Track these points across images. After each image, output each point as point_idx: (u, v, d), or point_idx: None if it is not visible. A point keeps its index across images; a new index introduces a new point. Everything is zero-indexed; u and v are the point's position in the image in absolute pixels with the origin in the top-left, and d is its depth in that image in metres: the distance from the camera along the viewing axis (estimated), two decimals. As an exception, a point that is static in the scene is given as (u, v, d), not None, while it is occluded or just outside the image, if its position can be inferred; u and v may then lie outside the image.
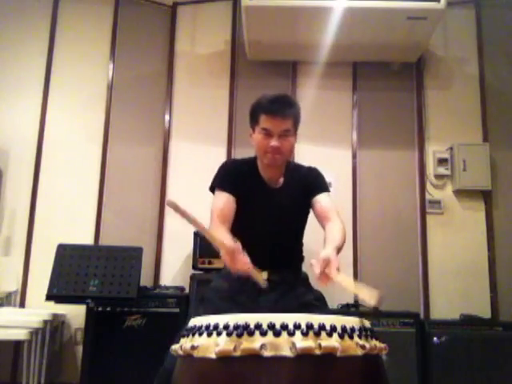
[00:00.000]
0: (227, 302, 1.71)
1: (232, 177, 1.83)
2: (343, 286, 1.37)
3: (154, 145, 3.99)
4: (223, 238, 1.51)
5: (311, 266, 1.42)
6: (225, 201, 1.76)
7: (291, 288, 1.78)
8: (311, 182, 1.88)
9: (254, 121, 1.80)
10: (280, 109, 1.74)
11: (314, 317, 1.07)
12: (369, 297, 1.25)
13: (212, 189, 1.86)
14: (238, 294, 1.72)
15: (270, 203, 1.82)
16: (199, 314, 1.54)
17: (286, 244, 1.85)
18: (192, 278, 3.30)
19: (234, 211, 1.76)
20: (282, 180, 1.87)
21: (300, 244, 1.94)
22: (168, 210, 3.89)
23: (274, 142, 1.73)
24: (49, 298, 2.78)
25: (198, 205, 4.13)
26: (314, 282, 1.46)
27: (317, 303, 1.79)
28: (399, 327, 3.21)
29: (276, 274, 1.76)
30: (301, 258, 1.94)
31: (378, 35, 3.61)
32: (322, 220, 1.80)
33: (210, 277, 3.18)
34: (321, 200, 1.83)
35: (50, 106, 3.87)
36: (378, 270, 3.76)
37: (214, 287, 1.83)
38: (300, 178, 1.88)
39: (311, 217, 1.91)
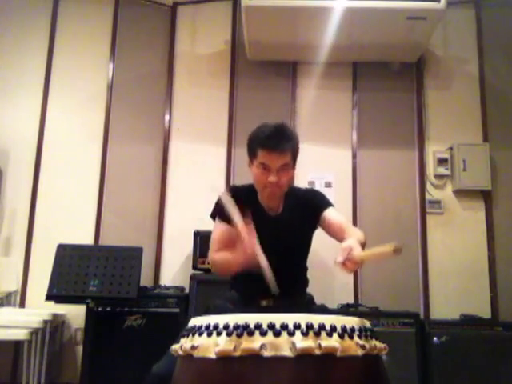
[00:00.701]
0: None
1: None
2: (370, 260, 1.41)
3: (154, 145, 3.99)
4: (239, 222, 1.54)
5: (336, 263, 1.41)
6: (224, 231, 1.77)
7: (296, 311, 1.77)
8: (312, 203, 1.86)
9: (251, 154, 1.79)
10: (278, 144, 1.71)
11: (314, 317, 1.07)
12: (388, 248, 1.30)
13: (213, 217, 1.87)
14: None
15: (270, 231, 1.77)
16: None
17: (289, 270, 1.81)
18: (192, 277, 3.30)
19: (234, 240, 1.72)
20: (281, 206, 1.87)
21: (304, 268, 1.93)
22: (168, 210, 3.89)
23: (272, 178, 1.72)
24: (49, 297, 2.78)
25: (198, 204, 4.14)
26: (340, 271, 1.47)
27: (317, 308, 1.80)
28: (399, 327, 3.21)
29: (281, 300, 1.73)
30: (305, 283, 1.93)
31: (377, 35, 3.61)
32: (337, 234, 1.77)
33: (210, 277, 3.22)
34: (330, 216, 1.81)
35: (50, 106, 3.88)
36: (378, 270, 3.76)
37: (217, 307, 1.81)
38: (299, 201, 1.87)
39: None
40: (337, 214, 1.83)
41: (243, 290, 1.83)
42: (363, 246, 1.56)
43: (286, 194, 1.87)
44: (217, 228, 1.83)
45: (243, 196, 1.84)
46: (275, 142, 1.71)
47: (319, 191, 1.94)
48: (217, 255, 1.78)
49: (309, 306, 1.86)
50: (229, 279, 1.92)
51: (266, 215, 1.85)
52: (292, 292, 1.81)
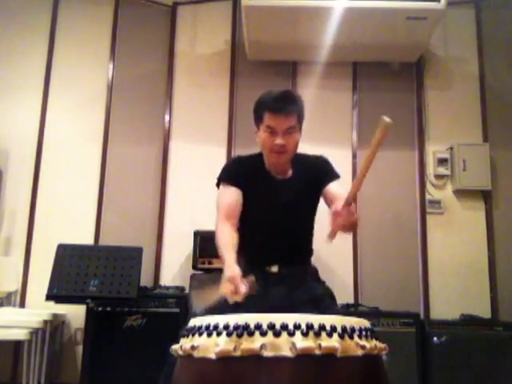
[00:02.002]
0: None
1: (238, 171, 1.83)
2: (353, 192, 1.48)
3: (154, 145, 3.99)
4: (230, 262, 1.50)
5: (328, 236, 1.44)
6: (231, 195, 1.76)
7: (301, 281, 1.77)
8: (320, 171, 1.86)
9: (258, 119, 1.80)
10: (284, 106, 1.72)
11: (314, 317, 1.07)
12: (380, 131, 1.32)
13: (218, 185, 1.85)
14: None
15: (278, 196, 1.80)
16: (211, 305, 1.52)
17: (296, 236, 1.83)
18: (192, 277, 3.30)
19: (241, 205, 1.76)
20: (290, 172, 1.86)
21: (310, 236, 1.92)
22: (168, 210, 3.89)
23: (278, 140, 1.73)
24: (49, 297, 2.78)
25: (198, 204, 4.14)
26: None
27: (326, 298, 1.78)
28: (399, 327, 3.21)
29: (285, 268, 1.76)
30: (310, 252, 1.92)
31: (378, 35, 3.61)
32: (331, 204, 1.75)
33: (210, 277, 3.21)
34: (332, 189, 1.80)
35: (50, 105, 3.87)
36: (378, 270, 3.76)
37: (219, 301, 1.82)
38: (308, 167, 1.87)
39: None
40: (338, 188, 1.81)
41: (250, 258, 1.82)
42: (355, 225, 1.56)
43: (295, 159, 1.86)
44: (223, 193, 1.79)
45: (249, 162, 1.85)
46: (281, 104, 1.73)
47: (328, 161, 1.92)
48: (220, 229, 1.71)
49: (314, 277, 1.85)
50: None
51: (274, 180, 1.84)
52: (297, 259, 1.82)
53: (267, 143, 1.76)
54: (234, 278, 1.41)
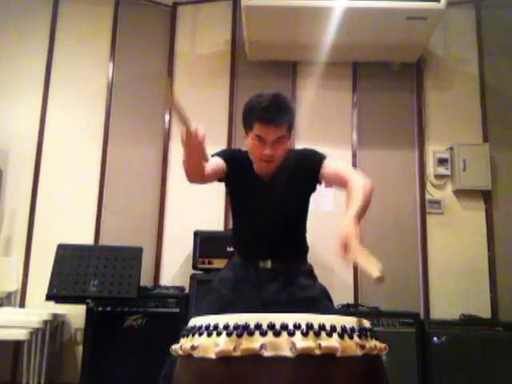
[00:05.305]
0: (231, 290, 1.75)
1: (232, 156, 1.83)
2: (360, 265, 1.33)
3: (154, 145, 3.99)
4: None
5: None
6: (216, 161, 1.74)
7: (294, 277, 1.78)
8: (305, 165, 1.80)
9: (247, 125, 1.76)
10: (274, 117, 1.68)
11: (314, 317, 1.07)
12: (373, 272, 1.22)
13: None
14: (242, 283, 1.76)
15: (262, 196, 1.80)
16: (204, 305, 1.52)
17: (287, 233, 1.83)
18: (192, 277, 3.30)
19: (218, 172, 1.74)
20: (276, 171, 1.83)
21: (302, 233, 1.90)
22: (168, 210, 3.89)
23: (267, 151, 1.70)
24: (49, 297, 2.78)
25: (198, 205, 4.13)
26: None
27: (323, 299, 1.78)
28: (399, 327, 3.21)
29: (279, 263, 1.77)
30: (305, 249, 1.91)
31: (377, 35, 3.61)
32: (339, 184, 1.72)
33: (210, 277, 3.21)
34: (327, 168, 1.75)
35: (50, 105, 3.88)
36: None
37: (219, 277, 1.86)
38: (291, 165, 1.81)
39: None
40: (334, 164, 1.76)
41: (243, 254, 1.86)
42: (362, 212, 1.50)
43: None
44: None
45: (244, 158, 1.83)
46: (272, 115, 1.67)
47: (309, 149, 1.86)
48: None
49: (310, 275, 1.84)
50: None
51: (258, 180, 1.82)
52: (290, 257, 1.82)
53: (256, 151, 1.74)
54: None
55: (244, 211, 1.82)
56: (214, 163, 1.71)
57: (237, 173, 1.81)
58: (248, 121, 1.75)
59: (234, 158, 1.82)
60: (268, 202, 1.79)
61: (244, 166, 1.82)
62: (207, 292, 1.83)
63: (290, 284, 1.75)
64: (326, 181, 1.77)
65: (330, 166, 1.75)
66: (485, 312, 3.58)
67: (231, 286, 1.77)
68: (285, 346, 1.01)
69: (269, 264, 1.76)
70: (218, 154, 1.81)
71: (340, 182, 1.71)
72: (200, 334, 1.10)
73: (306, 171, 1.78)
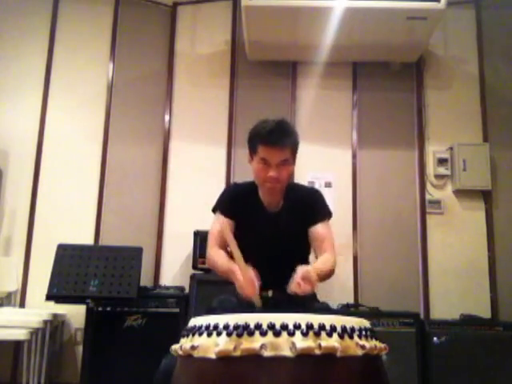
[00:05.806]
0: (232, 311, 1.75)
1: (233, 202, 1.89)
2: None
3: (154, 145, 3.99)
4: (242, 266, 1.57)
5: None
6: (222, 226, 1.80)
7: (298, 305, 1.77)
8: (311, 207, 1.88)
9: (252, 149, 1.83)
10: (278, 140, 1.75)
11: (314, 317, 1.07)
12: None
13: (214, 211, 1.93)
14: (245, 308, 1.74)
15: (269, 227, 1.85)
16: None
17: (289, 265, 1.78)
18: (192, 277, 3.30)
19: (232, 231, 1.80)
20: (281, 203, 1.90)
21: (304, 261, 1.90)
22: (168, 210, 3.89)
23: (272, 173, 1.76)
24: (49, 297, 2.77)
25: (198, 204, 4.13)
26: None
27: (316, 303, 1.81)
28: (399, 327, 3.21)
29: (281, 293, 1.74)
30: None
31: (378, 35, 3.61)
32: (316, 249, 1.84)
33: (210, 277, 3.21)
34: (318, 230, 1.84)
35: (50, 106, 3.88)
36: (378, 270, 3.76)
37: (221, 299, 1.87)
38: (299, 200, 1.89)
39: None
40: (326, 231, 1.85)
41: None
42: (322, 277, 1.65)
43: (286, 190, 1.90)
44: (216, 222, 1.88)
45: (244, 192, 1.91)
46: (276, 137, 1.75)
47: (321, 197, 1.94)
48: (212, 251, 1.83)
49: (309, 302, 1.85)
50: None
51: (265, 212, 1.88)
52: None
53: (261, 174, 1.80)
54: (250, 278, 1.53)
55: (248, 242, 1.79)
56: (228, 227, 1.79)
57: (243, 211, 1.86)
58: (253, 145, 1.81)
59: (235, 203, 1.88)
60: (274, 234, 1.84)
61: (249, 200, 1.88)
62: (206, 312, 1.80)
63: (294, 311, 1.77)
64: (309, 235, 1.86)
65: (322, 230, 1.85)
66: (485, 312, 3.58)
67: (231, 308, 1.75)
68: (285, 346, 1.01)
69: (270, 293, 1.79)
70: (221, 211, 1.87)
71: (318, 248, 1.83)
72: (200, 334, 1.10)
73: (308, 215, 1.86)
